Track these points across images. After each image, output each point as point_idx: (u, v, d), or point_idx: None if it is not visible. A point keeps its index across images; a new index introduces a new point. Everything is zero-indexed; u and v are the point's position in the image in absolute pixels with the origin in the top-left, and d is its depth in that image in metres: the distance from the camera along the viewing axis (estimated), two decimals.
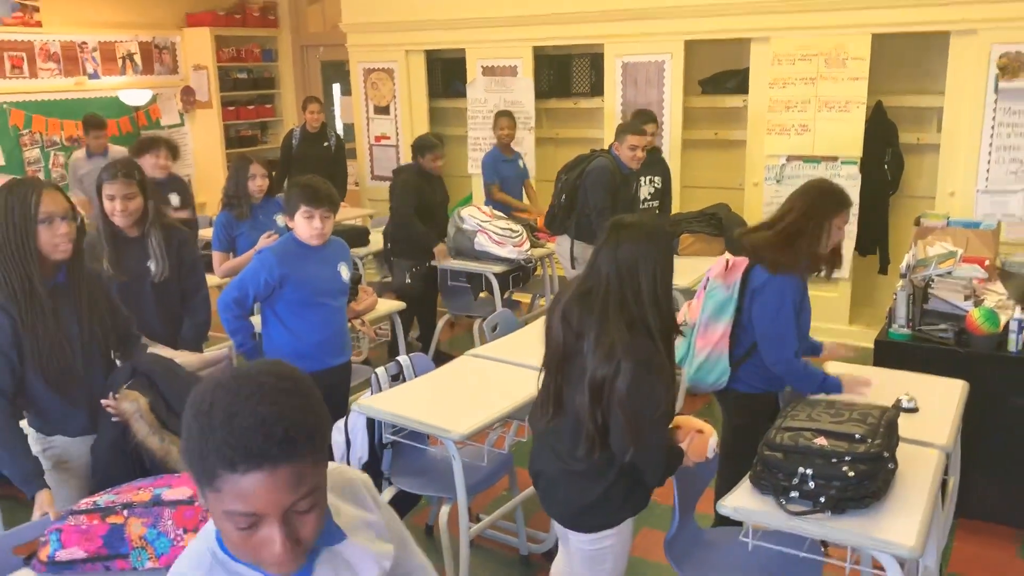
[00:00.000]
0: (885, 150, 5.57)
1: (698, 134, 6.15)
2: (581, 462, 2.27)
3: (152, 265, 3.16)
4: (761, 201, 5.70)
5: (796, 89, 5.53)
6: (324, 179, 3.29)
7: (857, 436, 2.23)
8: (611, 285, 2.20)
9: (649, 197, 5.36)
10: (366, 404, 3.01)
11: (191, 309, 3.32)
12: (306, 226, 3.13)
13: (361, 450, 3.05)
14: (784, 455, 2.26)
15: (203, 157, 8.09)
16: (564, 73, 6.65)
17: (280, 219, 4.19)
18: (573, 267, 4.94)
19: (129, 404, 2.35)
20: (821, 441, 2.25)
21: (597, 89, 6.41)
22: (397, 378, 3.29)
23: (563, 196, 4.92)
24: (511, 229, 5.11)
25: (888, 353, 3.53)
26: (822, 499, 2.18)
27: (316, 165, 6.63)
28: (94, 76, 7.20)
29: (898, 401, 2.80)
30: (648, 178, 5.33)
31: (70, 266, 2.43)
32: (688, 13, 5.72)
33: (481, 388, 3.18)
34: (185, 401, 2.48)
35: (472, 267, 5.12)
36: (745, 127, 5.82)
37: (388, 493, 3.06)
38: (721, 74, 6.11)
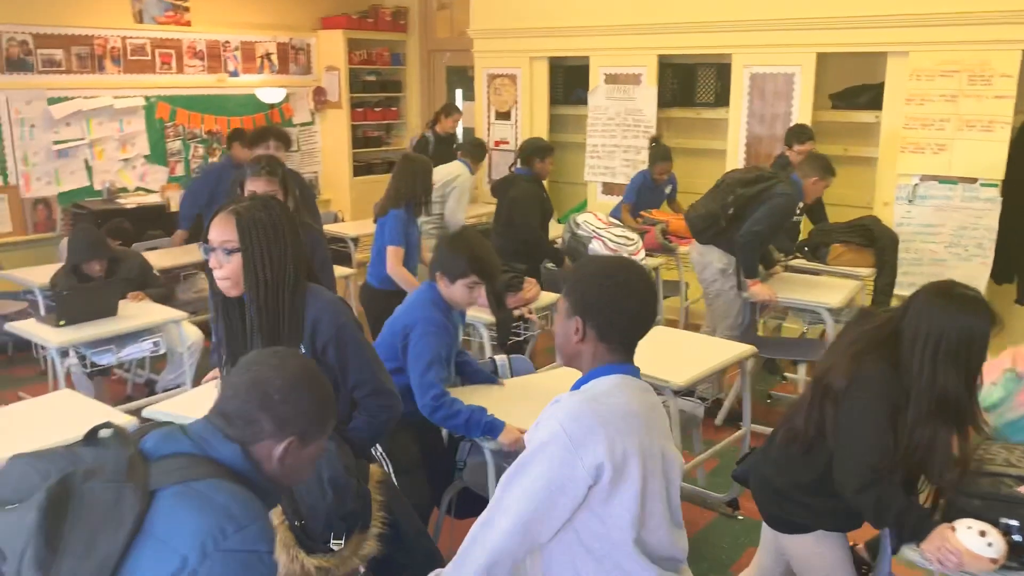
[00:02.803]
0: None
1: (827, 149, 5.92)
2: (777, 449, 2.39)
3: None
4: (892, 221, 5.46)
5: (935, 106, 5.28)
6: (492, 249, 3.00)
7: None
8: (894, 323, 2.22)
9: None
10: None
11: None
12: (467, 296, 2.85)
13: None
14: (983, 502, 2.07)
15: (330, 156, 8.39)
16: (688, 82, 6.57)
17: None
18: (721, 277, 4.62)
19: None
20: None
21: (722, 99, 6.30)
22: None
23: (731, 209, 4.51)
24: (627, 237, 5.09)
25: None
26: None
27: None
28: (234, 74, 7.58)
29: None
30: None
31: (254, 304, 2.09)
32: (822, 25, 5.54)
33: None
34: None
35: None
36: (877, 144, 5.60)
37: (455, 488, 3.00)
38: (853, 88, 5.90)
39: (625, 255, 5.05)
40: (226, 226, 2.05)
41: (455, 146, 6.65)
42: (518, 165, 5.37)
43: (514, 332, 4.17)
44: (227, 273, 2.06)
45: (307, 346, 2.13)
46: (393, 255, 4.19)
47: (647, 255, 5.25)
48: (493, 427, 2.68)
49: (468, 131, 8.10)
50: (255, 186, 3.10)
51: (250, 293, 2.06)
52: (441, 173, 5.69)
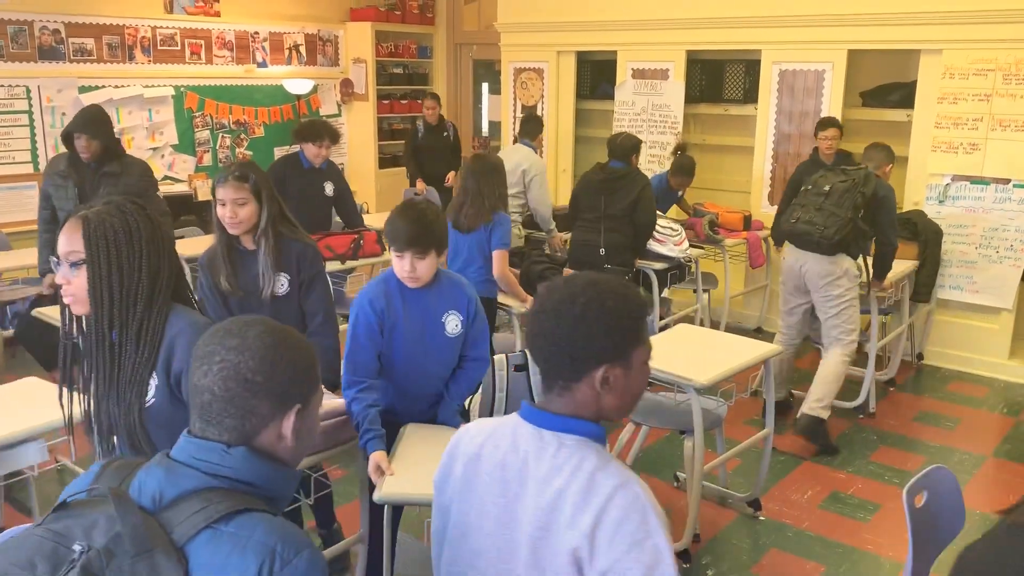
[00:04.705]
0: None
1: (856, 147, 5.85)
2: None
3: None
4: None
5: (968, 105, 5.21)
6: (423, 216, 2.61)
7: None
8: None
9: None
10: None
11: (311, 335, 2.91)
12: (396, 265, 2.64)
13: None
14: None
15: (356, 148, 8.42)
16: (716, 78, 6.51)
17: None
18: (854, 282, 4.33)
19: None
20: None
21: (750, 96, 6.24)
22: (520, 368, 3.10)
23: (862, 211, 4.14)
24: (671, 228, 5.11)
25: None
26: None
27: (439, 154, 7.18)
28: (262, 65, 7.62)
29: None
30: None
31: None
32: (854, 21, 5.47)
33: None
34: None
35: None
36: (907, 143, 5.52)
37: None
38: (885, 86, 5.83)
39: (671, 244, 5.07)
40: (73, 235, 1.75)
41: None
42: (613, 161, 5.08)
43: None
44: (73, 289, 1.77)
45: (160, 374, 1.84)
46: (503, 258, 4.10)
47: (691, 246, 5.25)
48: (366, 445, 2.49)
49: (495, 125, 8.13)
50: (222, 194, 2.82)
51: (95, 312, 1.76)
52: (514, 159, 5.61)
